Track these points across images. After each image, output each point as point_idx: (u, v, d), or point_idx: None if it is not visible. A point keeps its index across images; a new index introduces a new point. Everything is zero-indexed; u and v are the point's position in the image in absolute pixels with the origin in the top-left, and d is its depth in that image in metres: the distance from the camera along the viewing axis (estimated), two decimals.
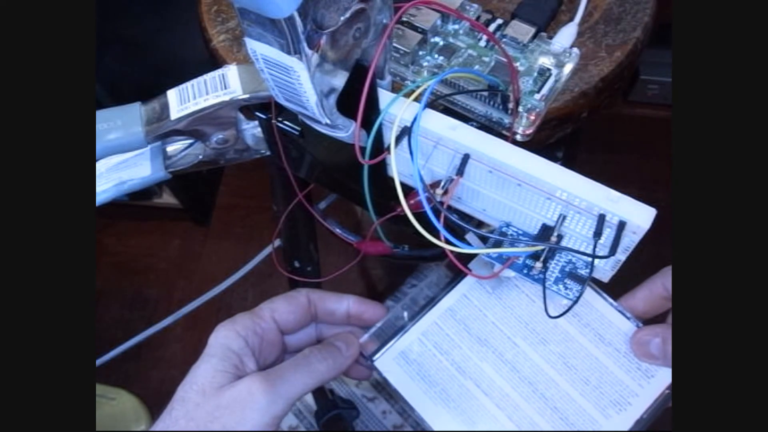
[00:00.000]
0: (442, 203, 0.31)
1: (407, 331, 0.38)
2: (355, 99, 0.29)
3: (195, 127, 0.37)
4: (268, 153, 0.41)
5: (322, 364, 0.35)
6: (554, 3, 0.41)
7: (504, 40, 0.38)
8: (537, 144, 0.37)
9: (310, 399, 0.91)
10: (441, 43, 0.38)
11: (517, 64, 0.37)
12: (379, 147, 0.32)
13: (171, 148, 0.40)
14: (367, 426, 0.94)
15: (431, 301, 0.38)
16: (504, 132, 0.36)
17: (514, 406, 0.35)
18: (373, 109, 0.31)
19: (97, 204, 0.39)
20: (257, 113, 0.37)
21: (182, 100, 0.36)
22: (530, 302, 0.37)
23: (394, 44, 0.37)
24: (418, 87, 0.31)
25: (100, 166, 0.39)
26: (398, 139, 0.31)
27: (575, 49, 0.37)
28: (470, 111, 0.36)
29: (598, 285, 0.36)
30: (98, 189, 0.39)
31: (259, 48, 0.27)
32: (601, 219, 0.29)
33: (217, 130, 0.38)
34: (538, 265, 0.32)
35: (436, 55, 0.38)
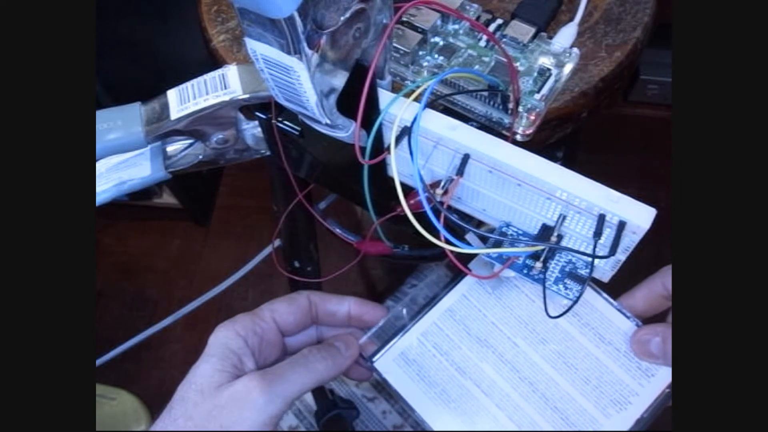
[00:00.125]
0: (442, 203, 0.31)
1: (407, 331, 0.38)
2: (355, 99, 0.29)
3: (195, 127, 0.37)
4: (268, 153, 0.41)
5: (320, 363, 0.35)
6: (554, 3, 0.41)
7: (504, 40, 0.38)
8: (537, 144, 0.37)
9: (310, 399, 0.91)
10: (441, 43, 0.38)
11: (517, 64, 0.37)
12: (379, 147, 0.32)
13: (171, 148, 0.40)
14: (367, 426, 0.94)
15: (431, 302, 0.38)
16: (504, 132, 0.36)
17: (515, 406, 0.35)
18: (373, 109, 0.31)
19: (97, 204, 0.39)
20: (257, 113, 0.37)
21: (182, 100, 0.36)
22: (530, 302, 0.37)
23: (394, 44, 0.37)
24: (418, 87, 0.31)
25: (100, 166, 0.39)
26: (398, 139, 0.31)
27: (575, 49, 0.37)
28: (470, 111, 0.36)
29: (598, 285, 0.36)
30: (98, 189, 0.39)
31: (259, 48, 0.27)
32: (601, 219, 0.29)
33: (217, 130, 0.38)
34: (538, 265, 0.32)
35: (436, 55, 0.38)
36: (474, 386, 0.36)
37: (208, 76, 0.36)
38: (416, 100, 0.31)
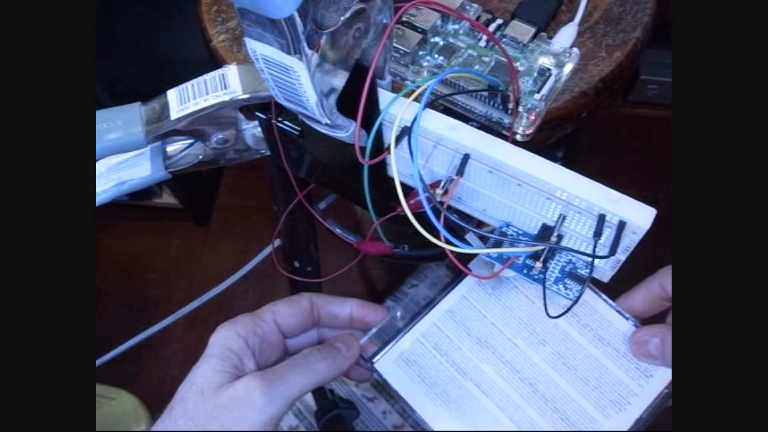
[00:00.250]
0: (442, 203, 0.31)
1: (407, 332, 0.38)
2: (355, 99, 0.29)
3: (195, 127, 0.37)
4: (268, 153, 0.41)
5: (321, 364, 0.35)
6: (554, 3, 0.41)
7: (504, 40, 0.38)
8: (537, 144, 0.37)
9: (310, 399, 0.91)
10: (441, 43, 0.38)
11: (517, 64, 0.37)
12: (379, 147, 0.32)
13: (171, 148, 0.40)
14: (367, 426, 0.94)
15: (431, 302, 0.38)
16: (504, 132, 0.36)
17: (515, 407, 0.35)
18: (373, 109, 0.31)
19: (97, 204, 0.39)
20: (257, 113, 0.37)
21: (182, 100, 0.36)
22: (530, 303, 0.37)
23: (394, 44, 0.37)
24: (418, 87, 0.31)
25: (100, 166, 0.39)
26: (398, 139, 0.31)
27: (575, 49, 0.37)
28: (470, 111, 0.36)
29: (598, 285, 0.36)
30: (98, 189, 0.39)
31: (259, 48, 0.27)
32: (601, 219, 0.29)
33: (217, 130, 0.38)
34: (538, 265, 0.32)
35: (436, 55, 0.38)
36: (474, 387, 0.36)
37: (208, 76, 0.36)
38: (416, 100, 0.31)
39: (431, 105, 0.31)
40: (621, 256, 0.31)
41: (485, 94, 0.35)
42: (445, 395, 0.36)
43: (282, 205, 0.58)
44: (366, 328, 0.39)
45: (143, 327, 0.69)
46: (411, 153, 0.30)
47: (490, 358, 0.36)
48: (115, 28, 0.89)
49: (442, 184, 0.32)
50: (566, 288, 0.33)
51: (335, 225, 0.58)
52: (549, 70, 0.36)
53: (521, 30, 0.38)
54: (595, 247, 0.30)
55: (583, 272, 0.33)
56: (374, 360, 0.37)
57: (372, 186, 0.33)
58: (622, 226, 0.29)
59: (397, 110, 0.31)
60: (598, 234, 0.30)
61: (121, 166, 0.39)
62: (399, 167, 0.30)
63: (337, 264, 0.49)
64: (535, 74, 0.36)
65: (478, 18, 0.39)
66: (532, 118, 0.35)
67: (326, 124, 0.31)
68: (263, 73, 0.29)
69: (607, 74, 0.39)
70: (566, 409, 0.35)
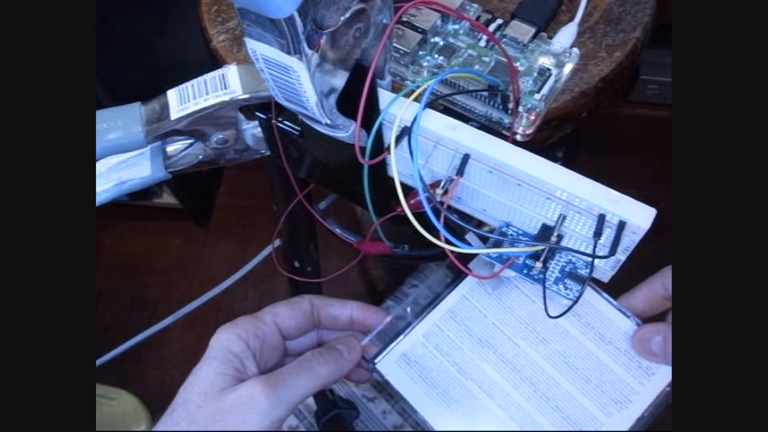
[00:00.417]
0: (442, 203, 0.31)
1: (408, 333, 0.38)
2: (355, 99, 0.29)
3: (195, 127, 0.37)
4: (268, 153, 0.41)
5: (324, 368, 0.35)
6: (554, 3, 0.41)
7: (504, 40, 0.38)
8: (537, 144, 0.37)
9: (310, 399, 0.91)
10: (441, 43, 0.38)
11: (517, 64, 0.37)
12: (379, 147, 0.32)
13: (171, 148, 0.40)
14: (367, 426, 0.94)
15: (431, 303, 0.38)
16: (504, 132, 0.36)
17: (516, 406, 0.35)
18: (373, 109, 0.31)
19: (97, 204, 0.39)
20: (257, 113, 0.37)
21: (182, 100, 0.36)
22: (530, 302, 0.37)
23: (394, 44, 0.37)
24: (418, 87, 0.31)
25: (100, 166, 0.39)
26: (398, 139, 0.31)
27: (575, 49, 0.37)
28: (470, 111, 0.36)
29: (598, 285, 0.36)
30: (98, 189, 0.39)
31: (259, 48, 0.27)
32: (601, 219, 0.29)
33: (217, 130, 0.38)
34: (538, 265, 0.32)
35: (436, 55, 0.38)
36: (475, 387, 0.36)
37: (208, 76, 0.36)
38: (416, 100, 0.31)
39: (431, 105, 0.31)
40: (621, 256, 0.31)
41: (485, 94, 0.35)
42: (446, 395, 0.36)
43: (282, 205, 0.58)
44: (366, 330, 0.39)
45: (143, 327, 0.69)
46: (411, 153, 0.30)
47: (491, 358, 0.36)
48: (115, 28, 0.89)
49: (442, 184, 0.32)
50: (566, 288, 0.33)
51: (335, 225, 0.58)
52: (549, 70, 0.36)
53: (521, 30, 0.38)
54: (595, 247, 0.30)
55: (583, 272, 0.33)
56: (376, 361, 0.37)
57: (372, 186, 0.33)
58: (622, 226, 0.29)
59: (397, 110, 0.31)
60: (598, 234, 0.30)
61: (121, 166, 0.39)
62: (399, 167, 0.30)
63: (337, 264, 0.49)
64: (535, 74, 0.36)
65: (478, 18, 0.39)
66: (532, 118, 0.35)
67: (326, 124, 0.31)
68: (263, 73, 0.29)
69: (607, 74, 0.39)
70: (567, 408, 0.35)
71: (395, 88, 0.34)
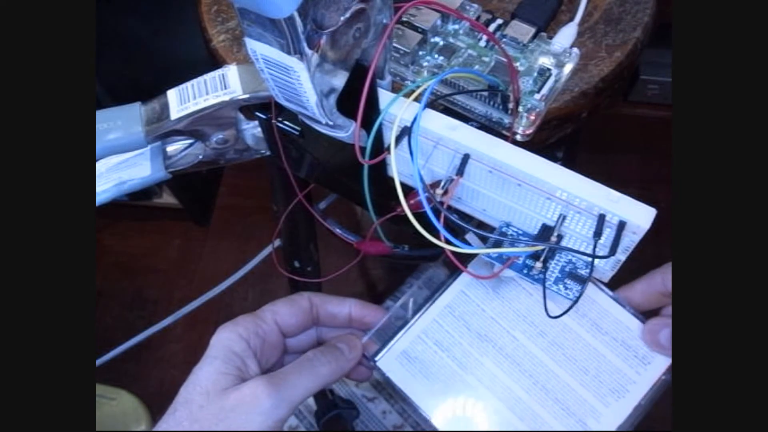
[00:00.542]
0: (442, 203, 0.31)
1: (407, 330, 0.38)
2: (355, 99, 0.29)
3: (195, 127, 0.37)
4: (268, 153, 0.41)
5: (325, 367, 0.35)
6: (554, 3, 0.41)
7: (504, 40, 0.38)
8: (537, 144, 0.37)
9: (310, 399, 0.91)
10: (441, 43, 0.38)
11: (517, 64, 0.37)
12: (379, 147, 0.32)
13: (171, 148, 0.40)
14: (367, 426, 0.94)
15: (430, 299, 0.39)
16: (504, 132, 0.36)
17: (516, 399, 0.35)
18: (373, 109, 0.31)
19: (97, 204, 0.39)
20: (257, 113, 0.37)
21: (182, 100, 0.36)
22: (528, 296, 0.38)
23: (394, 44, 0.37)
24: (418, 87, 0.31)
25: (100, 166, 0.39)
26: (398, 139, 0.31)
27: (575, 49, 0.37)
28: (470, 111, 0.36)
29: (599, 282, 0.37)
30: (98, 189, 0.39)
31: (259, 48, 0.27)
32: (601, 219, 0.29)
33: (217, 130, 0.38)
34: (538, 265, 0.32)
35: (436, 55, 0.38)
36: (476, 381, 0.36)
37: (208, 76, 0.36)
38: (416, 100, 0.31)
39: (431, 105, 0.31)
40: (621, 256, 0.31)
41: (485, 94, 0.35)
42: (447, 390, 0.36)
43: (282, 205, 0.58)
44: (365, 328, 0.39)
45: (143, 327, 0.69)
46: (411, 153, 0.30)
47: (490, 352, 0.36)
48: (115, 28, 0.89)
49: (442, 184, 0.32)
50: (566, 288, 0.33)
51: (335, 225, 0.58)
52: (549, 70, 0.36)
53: (521, 30, 0.38)
54: (595, 247, 0.30)
55: (583, 272, 0.33)
56: (376, 358, 0.37)
57: (372, 186, 0.33)
58: (622, 226, 0.29)
59: (397, 110, 0.31)
60: (598, 234, 0.30)
61: (121, 166, 0.39)
62: (399, 167, 0.30)
63: (337, 264, 0.49)
64: (535, 74, 0.36)
65: (478, 18, 0.39)
66: (532, 118, 0.35)
67: (326, 124, 0.31)
68: (263, 73, 0.29)
69: (607, 74, 0.39)
70: (566, 399, 0.35)
71: (395, 88, 0.34)
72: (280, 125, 0.37)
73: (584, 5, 0.41)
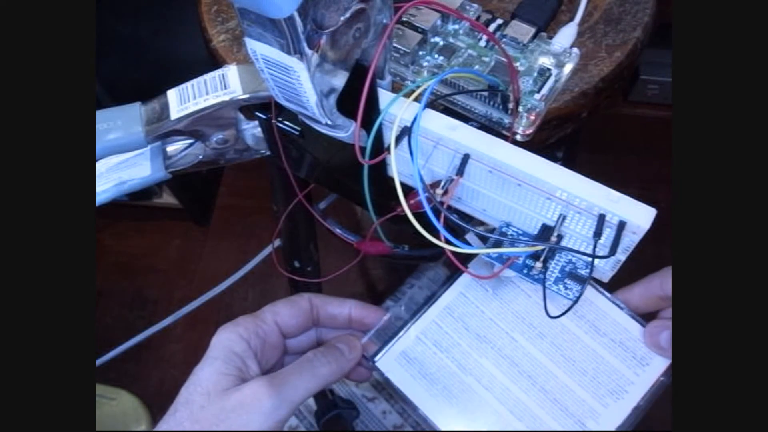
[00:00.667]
0: (442, 203, 0.31)
1: (407, 330, 0.38)
2: (355, 99, 0.29)
3: (195, 127, 0.37)
4: (268, 153, 0.41)
5: (325, 368, 0.35)
6: (554, 3, 0.41)
7: (504, 40, 0.38)
8: (537, 144, 0.37)
9: (310, 399, 0.91)
10: (441, 43, 0.38)
11: (517, 64, 0.37)
12: (379, 147, 0.32)
13: (171, 148, 0.40)
14: (367, 426, 0.94)
15: (429, 300, 0.39)
16: (504, 132, 0.36)
17: (515, 400, 0.35)
18: (373, 109, 0.31)
19: (97, 204, 0.39)
20: (257, 113, 0.37)
21: (182, 100, 0.36)
22: (527, 297, 0.38)
23: (394, 44, 0.37)
24: (418, 87, 0.31)
25: (100, 166, 0.39)
26: (398, 139, 0.31)
27: (575, 49, 0.37)
28: (470, 111, 0.36)
29: (598, 284, 0.37)
30: (98, 189, 0.39)
31: (259, 48, 0.27)
32: (601, 219, 0.29)
33: (217, 130, 0.38)
34: (538, 265, 0.32)
35: (436, 55, 0.38)
36: (475, 382, 0.36)
37: (208, 76, 0.36)
38: (416, 100, 0.31)
39: (431, 105, 0.31)
40: (621, 256, 0.31)
41: (485, 94, 0.35)
42: (446, 391, 0.36)
43: (282, 205, 0.58)
44: (364, 328, 0.39)
45: (143, 327, 0.69)
46: (411, 153, 0.30)
47: (489, 353, 0.37)
48: (115, 28, 0.89)
49: (442, 184, 0.32)
50: (566, 288, 0.33)
51: (335, 225, 0.58)
52: (549, 70, 0.36)
53: (521, 30, 0.38)
54: (595, 247, 0.30)
55: (583, 272, 0.33)
56: (376, 359, 0.37)
57: (372, 186, 0.33)
58: (622, 226, 0.29)
59: (397, 110, 0.31)
60: (598, 234, 0.30)
61: (121, 166, 0.39)
62: (399, 167, 0.30)
63: (337, 264, 0.49)
64: (535, 74, 0.36)
65: (478, 18, 0.39)
66: (532, 118, 0.35)
67: (326, 124, 0.31)
68: (263, 73, 0.29)
69: (607, 74, 0.39)
70: (565, 400, 0.35)
71: (395, 88, 0.34)
72: (280, 125, 0.37)
73: (584, 5, 0.41)
